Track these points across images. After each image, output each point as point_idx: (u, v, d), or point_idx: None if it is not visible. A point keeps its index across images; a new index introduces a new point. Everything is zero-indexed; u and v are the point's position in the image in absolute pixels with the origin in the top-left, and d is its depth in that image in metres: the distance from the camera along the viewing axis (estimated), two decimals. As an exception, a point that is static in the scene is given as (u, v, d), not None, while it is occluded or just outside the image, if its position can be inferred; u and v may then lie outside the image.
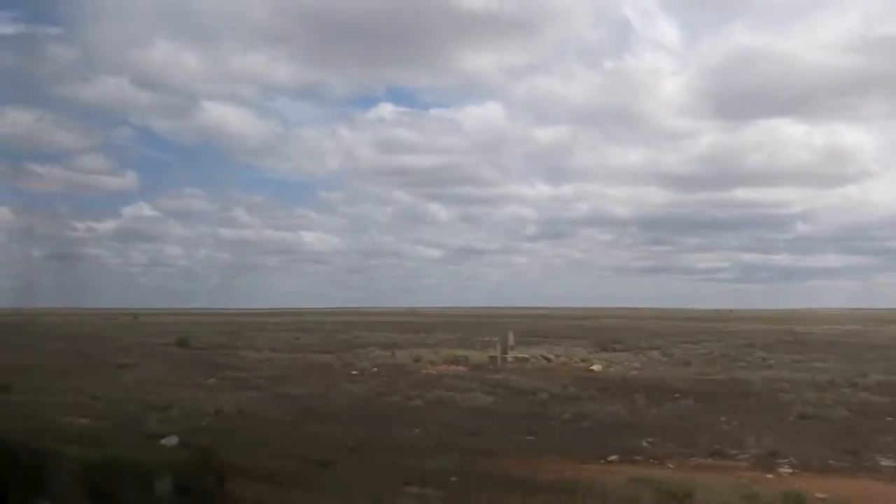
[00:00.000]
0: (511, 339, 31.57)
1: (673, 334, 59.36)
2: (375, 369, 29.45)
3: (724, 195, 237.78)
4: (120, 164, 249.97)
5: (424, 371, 29.54)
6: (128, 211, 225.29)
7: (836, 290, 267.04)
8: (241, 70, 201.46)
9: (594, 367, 30.10)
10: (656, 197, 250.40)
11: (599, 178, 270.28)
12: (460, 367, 30.89)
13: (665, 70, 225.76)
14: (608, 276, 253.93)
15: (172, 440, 14.69)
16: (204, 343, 45.38)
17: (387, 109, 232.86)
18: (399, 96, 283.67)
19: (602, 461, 13.37)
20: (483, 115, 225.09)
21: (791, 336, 57.20)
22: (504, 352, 30.84)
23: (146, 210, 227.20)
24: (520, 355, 31.53)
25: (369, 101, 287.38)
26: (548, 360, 33.96)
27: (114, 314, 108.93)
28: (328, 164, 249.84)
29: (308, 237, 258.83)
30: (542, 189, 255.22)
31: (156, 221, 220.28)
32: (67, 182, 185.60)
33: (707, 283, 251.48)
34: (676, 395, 22.00)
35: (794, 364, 32.56)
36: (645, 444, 15.08)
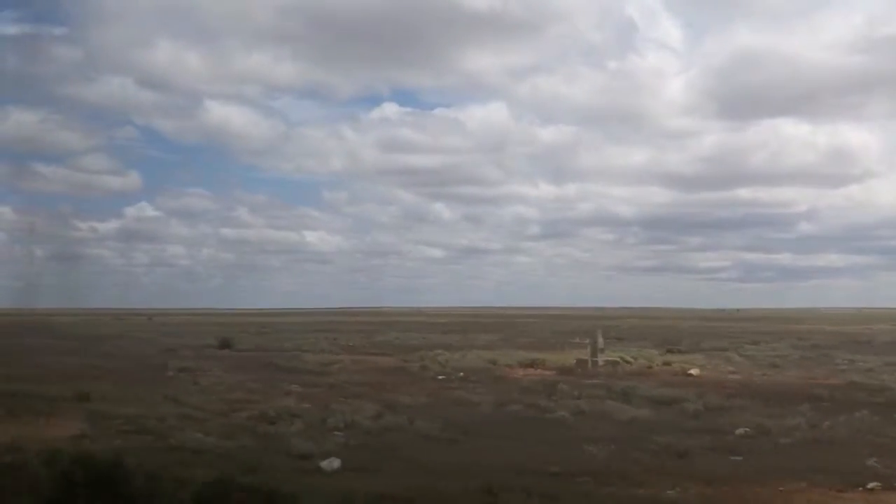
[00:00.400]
0: (601, 342, 29.57)
1: (716, 335, 57.49)
2: (462, 374, 27.39)
3: (727, 195, 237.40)
4: (123, 164, 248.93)
5: (515, 375, 27.56)
6: (130, 211, 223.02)
7: (838, 289, 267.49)
8: (245, 70, 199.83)
9: (692, 371, 28.13)
10: (659, 197, 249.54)
11: (602, 177, 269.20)
12: (548, 371, 28.89)
13: (669, 70, 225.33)
14: (611, 276, 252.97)
15: (334, 463, 12.62)
16: (247, 344, 43.19)
17: (390, 109, 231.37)
18: (402, 96, 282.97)
19: (860, 489, 11.37)
20: (486, 115, 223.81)
21: (843, 336, 55.42)
22: (594, 354, 28.85)
23: (149, 210, 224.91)
24: (609, 358, 29.51)
25: (373, 101, 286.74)
26: (627, 362, 31.98)
27: (126, 314, 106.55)
28: (331, 164, 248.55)
29: (311, 237, 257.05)
30: (546, 189, 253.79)
31: (158, 221, 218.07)
32: (71, 182, 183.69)
33: (709, 282, 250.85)
34: (823, 402, 20.03)
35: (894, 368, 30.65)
36: (870, 463, 13.08)
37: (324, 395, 21.95)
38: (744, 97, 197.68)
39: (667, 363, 32.60)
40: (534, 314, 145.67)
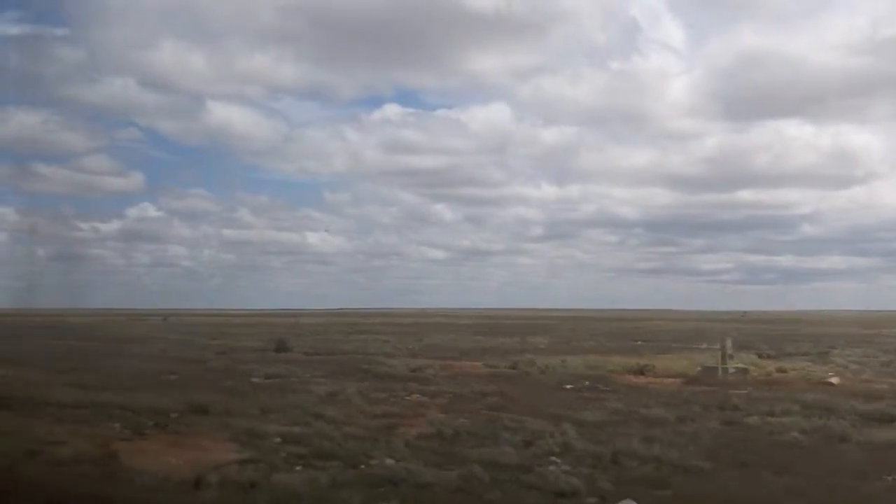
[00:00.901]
0: (729, 347, 26.91)
1: (765, 337, 54.98)
2: (587, 382, 24.69)
3: (730, 196, 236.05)
4: (125, 165, 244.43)
5: (640, 383, 24.88)
6: (132, 212, 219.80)
7: (840, 291, 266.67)
8: (248, 70, 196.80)
9: (832, 380, 25.53)
10: (662, 198, 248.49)
11: (605, 179, 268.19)
12: (668, 379, 26.21)
13: (672, 71, 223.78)
14: (613, 278, 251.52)
15: (629, 507, 9.91)
16: (304, 347, 40.27)
17: (393, 110, 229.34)
18: (405, 97, 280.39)
19: None
20: (489, 115, 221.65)
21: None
22: (724, 361, 26.19)
23: (151, 211, 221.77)
24: (739, 365, 26.87)
25: (375, 102, 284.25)
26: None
27: (136, 315, 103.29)
28: (333, 165, 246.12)
29: (312, 238, 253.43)
30: (548, 190, 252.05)
31: (160, 222, 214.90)
32: (73, 183, 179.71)
33: (711, 284, 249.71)
34: None
35: None
36: None
37: (460, 405, 19.27)
38: (747, 98, 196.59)
39: (781, 370, 30.01)
40: (548, 315, 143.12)
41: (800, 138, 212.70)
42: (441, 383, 24.42)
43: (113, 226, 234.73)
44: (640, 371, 28.59)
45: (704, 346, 34.64)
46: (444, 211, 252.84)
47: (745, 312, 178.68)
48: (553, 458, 12.98)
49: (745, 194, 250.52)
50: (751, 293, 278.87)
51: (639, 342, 51.24)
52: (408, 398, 21.06)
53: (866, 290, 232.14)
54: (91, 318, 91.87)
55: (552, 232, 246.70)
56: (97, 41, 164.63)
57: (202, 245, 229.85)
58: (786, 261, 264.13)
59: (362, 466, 12.34)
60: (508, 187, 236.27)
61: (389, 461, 12.67)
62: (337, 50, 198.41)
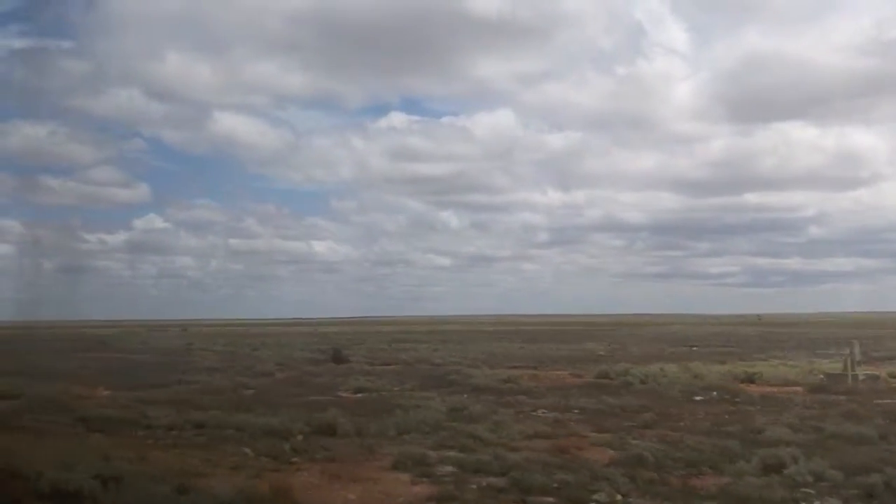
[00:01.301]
0: (857, 353, 24.70)
1: (818, 341, 52.89)
2: (714, 393, 22.44)
3: (736, 199, 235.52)
4: (132, 176, 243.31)
5: (764, 392, 22.63)
6: (139, 223, 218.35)
7: (847, 293, 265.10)
8: (254, 80, 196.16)
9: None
10: (668, 202, 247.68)
11: (611, 183, 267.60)
12: (793, 388, 23.98)
13: (677, 74, 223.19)
14: (620, 282, 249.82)
15: None
16: (358, 357, 37.96)
17: (398, 118, 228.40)
18: (411, 104, 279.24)
19: None
20: (494, 122, 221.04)
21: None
22: (853, 367, 23.96)
23: (157, 222, 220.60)
24: (869, 371, 24.67)
25: (381, 110, 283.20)
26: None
27: (155, 326, 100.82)
28: (340, 174, 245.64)
29: (319, 246, 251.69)
30: (554, 195, 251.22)
31: (167, 233, 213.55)
32: (79, 194, 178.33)
33: (719, 287, 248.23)
34: None
35: None
36: None
37: (605, 422, 17.02)
38: (752, 101, 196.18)
39: (893, 375, 27.83)
40: (559, 321, 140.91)
41: (805, 140, 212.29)
42: (549, 395, 22.18)
43: (120, 237, 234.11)
44: (750, 379, 26.40)
45: (833, 351, 32.20)
46: (450, 218, 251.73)
47: (760, 316, 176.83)
48: (806, 490, 10.71)
49: (751, 197, 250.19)
50: (758, 296, 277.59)
51: (694, 347, 49.15)
52: (534, 413, 18.82)
53: (872, 291, 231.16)
54: (106, 329, 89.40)
55: (558, 237, 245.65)
56: (103, 53, 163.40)
57: (209, 255, 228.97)
58: (793, 263, 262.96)
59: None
60: (514, 193, 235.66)
61: (619, 497, 10.43)
62: (342, 58, 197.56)
